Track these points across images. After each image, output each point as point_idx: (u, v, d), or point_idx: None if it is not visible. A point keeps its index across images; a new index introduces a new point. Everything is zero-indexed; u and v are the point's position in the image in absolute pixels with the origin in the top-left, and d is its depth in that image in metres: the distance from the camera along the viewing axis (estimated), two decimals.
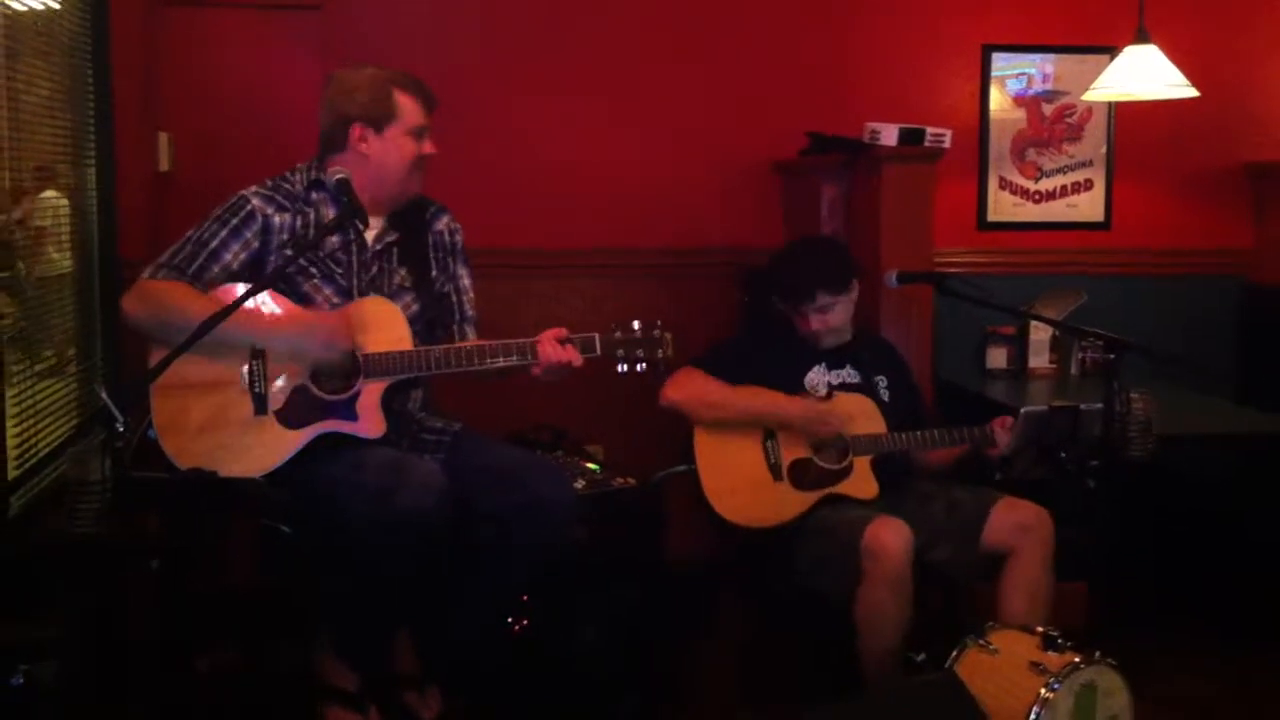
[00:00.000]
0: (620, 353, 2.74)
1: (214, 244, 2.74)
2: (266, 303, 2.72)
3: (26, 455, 2.88)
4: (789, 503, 3.05)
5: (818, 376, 3.19)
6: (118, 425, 2.12)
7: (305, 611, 2.94)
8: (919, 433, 3.13)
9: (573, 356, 2.72)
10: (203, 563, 2.83)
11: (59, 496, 2.85)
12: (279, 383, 2.70)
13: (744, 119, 4.18)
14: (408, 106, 2.82)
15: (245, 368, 2.68)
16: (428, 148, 2.86)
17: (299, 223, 2.81)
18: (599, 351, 2.74)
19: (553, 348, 2.72)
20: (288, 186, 2.84)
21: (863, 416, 3.15)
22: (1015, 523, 2.96)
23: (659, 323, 2.77)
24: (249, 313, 2.61)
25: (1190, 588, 3.79)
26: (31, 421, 2.92)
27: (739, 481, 3.06)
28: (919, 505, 3.06)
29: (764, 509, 3.05)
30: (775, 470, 3.07)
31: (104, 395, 2.13)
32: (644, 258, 4.15)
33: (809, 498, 3.06)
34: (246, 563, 3.01)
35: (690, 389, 3.09)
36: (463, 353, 2.75)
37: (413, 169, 2.84)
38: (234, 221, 2.76)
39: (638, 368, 2.75)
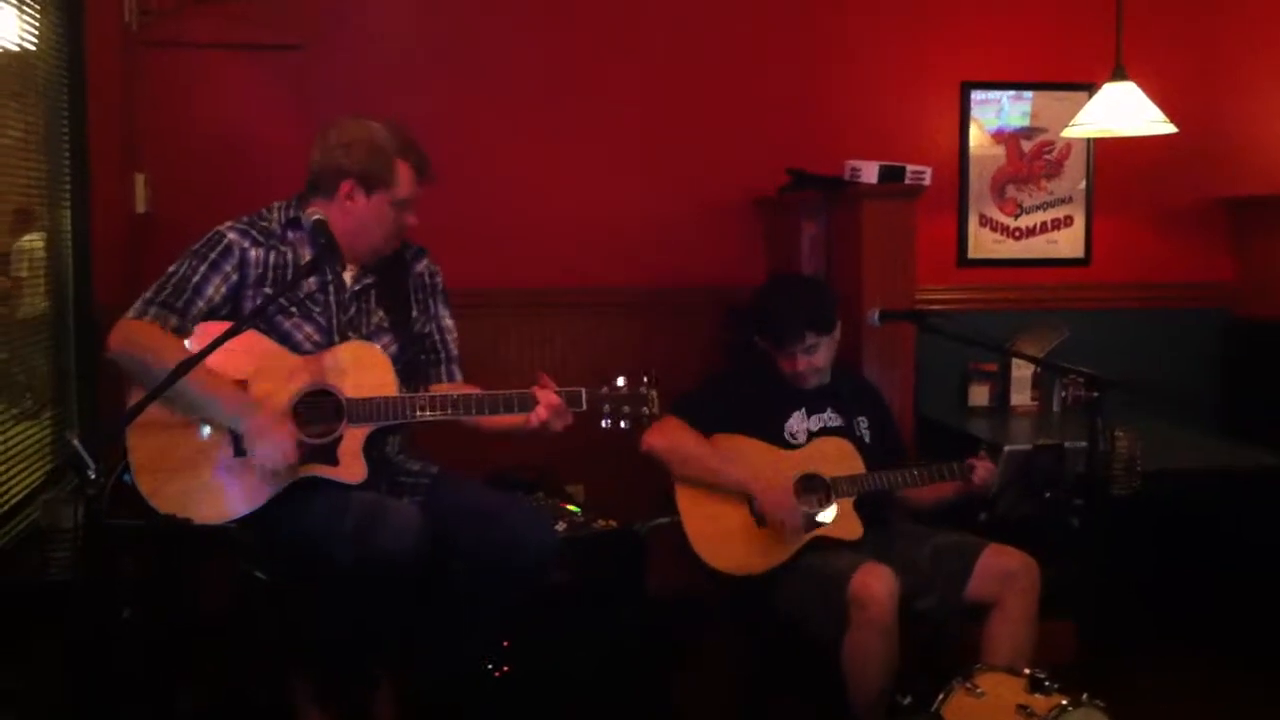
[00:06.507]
0: (606, 408, 2.73)
1: (195, 279, 2.72)
2: (247, 344, 2.68)
3: None
4: (776, 548, 3.03)
5: (798, 423, 3.17)
6: (89, 473, 2.08)
7: (282, 656, 2.90)
8: (898, 472, 3.12)
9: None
10: (177, 609, 2.79)
11: (31, 543, 2.80)
12: None
13: (725, 157, 4.18)
14: (404, 179, 2.81)
15: None
16: (410, 220, 2.86)
17: (274, 259, 2.79)
18: (585, 406, 2.73)
19: (546, 396, 2.69)
20: (264, 224, 2.83)
21: (841, 458, 3.13)
22: (1001, 571, 2.94)
23: (645, 379, 2.75)
24: (211, 375, 2.59)
25: (1180, 623, 3.77)
26: (4, 467, 2.88)
27: (724, 529, 3.04)
28: (905, 550, 3.04)
29: (752, 556, 3.03)
30: (759, 516, 3.05)
31: (76, 443, 2.09)
32: (626, 296, 4.14)
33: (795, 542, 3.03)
34: (222, 608, 2.97)
35: (670, 441, 3.07)
36: (448, 401, 2.72)
37: (389, 235, 2.85)
38: (212, 256, 2.75)
39: (622, 424, 2.73)
